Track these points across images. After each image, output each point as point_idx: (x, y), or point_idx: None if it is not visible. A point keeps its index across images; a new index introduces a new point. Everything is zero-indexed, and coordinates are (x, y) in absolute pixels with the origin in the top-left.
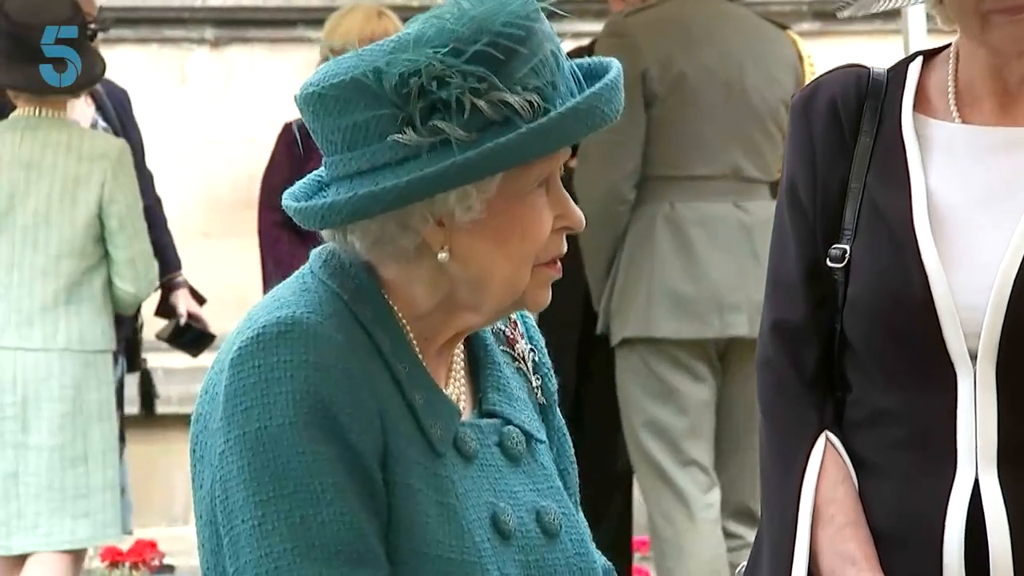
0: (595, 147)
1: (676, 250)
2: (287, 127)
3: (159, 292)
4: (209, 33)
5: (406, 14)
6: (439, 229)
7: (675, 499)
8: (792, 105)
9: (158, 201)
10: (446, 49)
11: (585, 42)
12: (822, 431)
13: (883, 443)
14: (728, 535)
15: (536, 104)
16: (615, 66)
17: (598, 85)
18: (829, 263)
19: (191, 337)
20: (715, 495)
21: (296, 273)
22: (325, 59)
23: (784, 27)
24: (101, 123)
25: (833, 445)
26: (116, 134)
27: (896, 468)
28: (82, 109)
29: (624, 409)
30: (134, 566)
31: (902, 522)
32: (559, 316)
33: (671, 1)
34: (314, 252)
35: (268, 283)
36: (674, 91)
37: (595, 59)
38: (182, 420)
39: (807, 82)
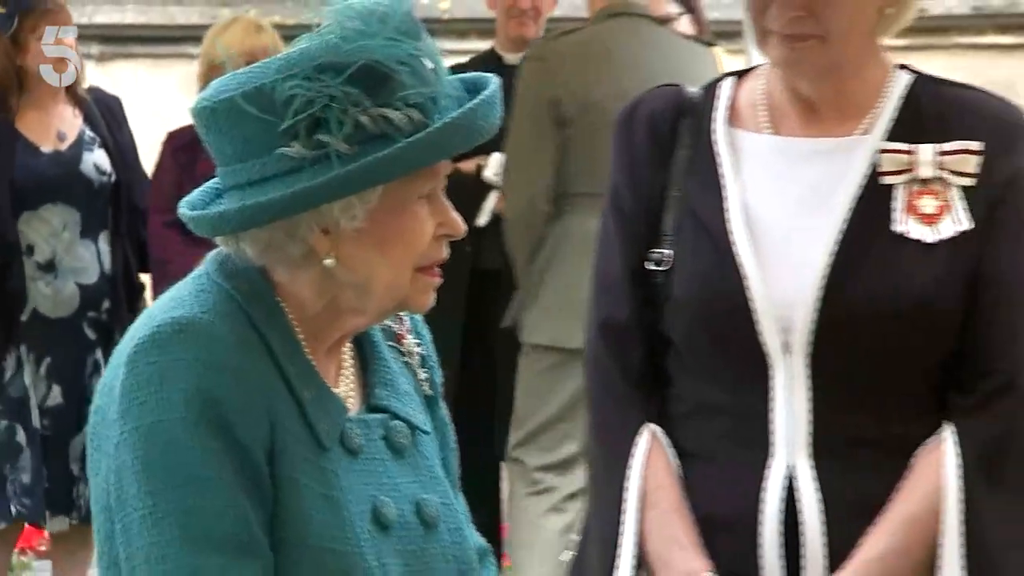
0: (515, 162)
1: (586, 266)
2: (170, 135)
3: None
4: (95, 49)
5: (283, 32)
6: (325, 237)
7: (535, 495)
8: (617, 119)
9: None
10: (329, 67)
11: (465, 59)
12: (647, 424)
13: (705, 434)
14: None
15: (416, 119)
16: (493, 82)
17: (474, 102)
18: (651, 266)
19: None
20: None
21: (193, 274)
22: (207, 69)
23: (711, 44)
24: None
25: (657, 437)
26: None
27: (717, 456)
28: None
29: (521, 404)
30: (21, 551)
31: (723, 507)
32: (444, 313)
33: (596, 25)
34: (210, 255)
35: (157, 281)
36: (586, 116)
37: (476, 74)
38: None
39: None
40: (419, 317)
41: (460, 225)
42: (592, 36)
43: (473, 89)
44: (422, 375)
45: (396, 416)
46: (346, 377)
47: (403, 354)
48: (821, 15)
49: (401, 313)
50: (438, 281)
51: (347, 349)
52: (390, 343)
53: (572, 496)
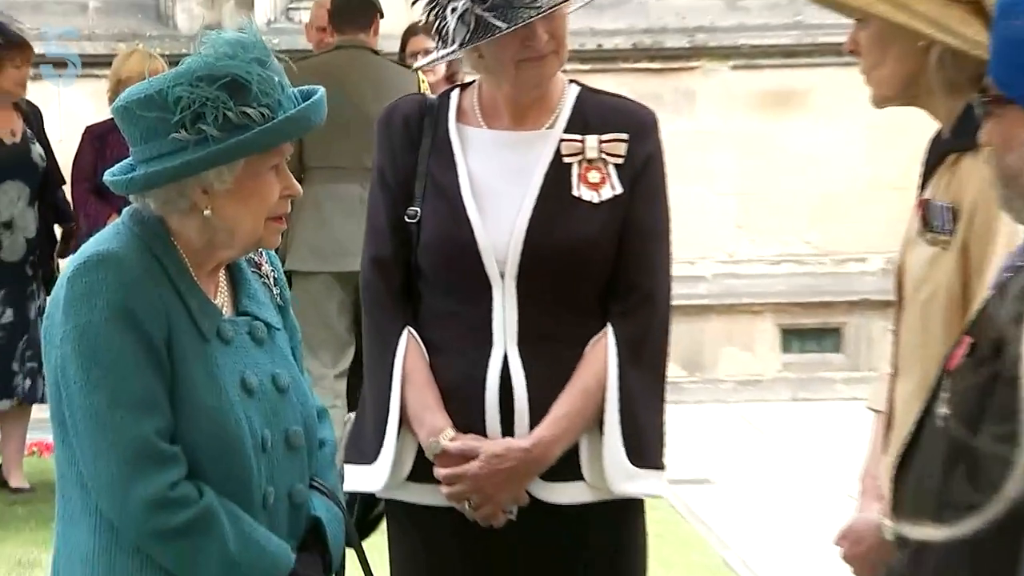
0: None
1: (315, 217)
2: (88, 128)
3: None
4: (31, 72)
5: (165, 58)
6: (204, 195)
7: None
8: (379, 119)
9: (61, 177)
10: (206, 78)
11: None
12: (405, 326)
13: (446, 333)
14: None
15: (266, 114)
16: (320, 91)
17: (305, 104)
18: (407, 219)
19: None
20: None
21: (112, 223)
22: (115, 84)
23: (413, 69)
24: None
25: (413, 335)
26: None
27: (455, 349)
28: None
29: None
30: None
31: (459, 383)
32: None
33: (330, 52)
34: (125, 211)
35: (80, 232)
36: None
37: (307, 87)
38: None
39: None
40: (271, 251)
41: (298, 188)
42: (323, 59)
43: (305, 97)
44: (275, 291)
45: (257, 318)
46: (221, 292)
47: (261, 276)
48: (555, 36)
49: (260, 248)
50: (284, 227)
51: (222, 273)
52: (252, 269)
53: (337, 376)
